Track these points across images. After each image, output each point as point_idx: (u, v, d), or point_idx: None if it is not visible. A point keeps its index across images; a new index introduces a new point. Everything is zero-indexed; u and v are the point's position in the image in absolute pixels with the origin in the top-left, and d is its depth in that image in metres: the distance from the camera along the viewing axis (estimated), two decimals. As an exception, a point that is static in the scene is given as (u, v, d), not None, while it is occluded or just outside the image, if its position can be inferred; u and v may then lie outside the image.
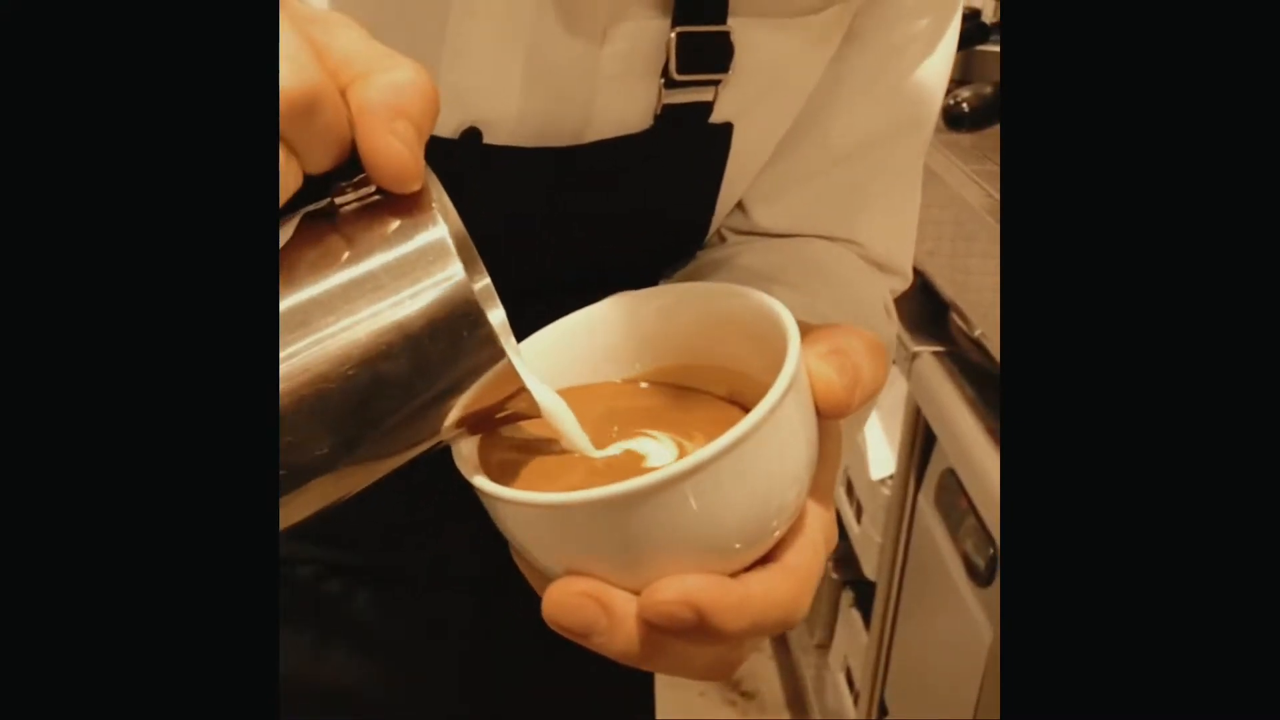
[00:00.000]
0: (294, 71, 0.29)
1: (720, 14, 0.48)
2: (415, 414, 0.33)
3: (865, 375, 0.36)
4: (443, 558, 0.61)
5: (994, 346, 1.14)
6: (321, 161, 0.30)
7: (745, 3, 0.48)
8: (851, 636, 1.58)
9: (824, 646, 1.72)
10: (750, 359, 0.38)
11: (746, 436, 0.32)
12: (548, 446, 0.38)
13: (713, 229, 0.57)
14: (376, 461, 0.33)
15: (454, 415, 0.33)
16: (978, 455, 1.14)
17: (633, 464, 0.37)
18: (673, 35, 0.47)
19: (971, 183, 1.22)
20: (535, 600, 0.35)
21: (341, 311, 0.31)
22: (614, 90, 0.48)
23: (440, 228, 0.31)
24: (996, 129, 1.13)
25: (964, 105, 1.01)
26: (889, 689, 1.42)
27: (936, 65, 0.58)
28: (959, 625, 1.17)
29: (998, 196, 1.18)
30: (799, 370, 0.34)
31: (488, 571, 0.58)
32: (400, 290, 0.31)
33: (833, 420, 0.37)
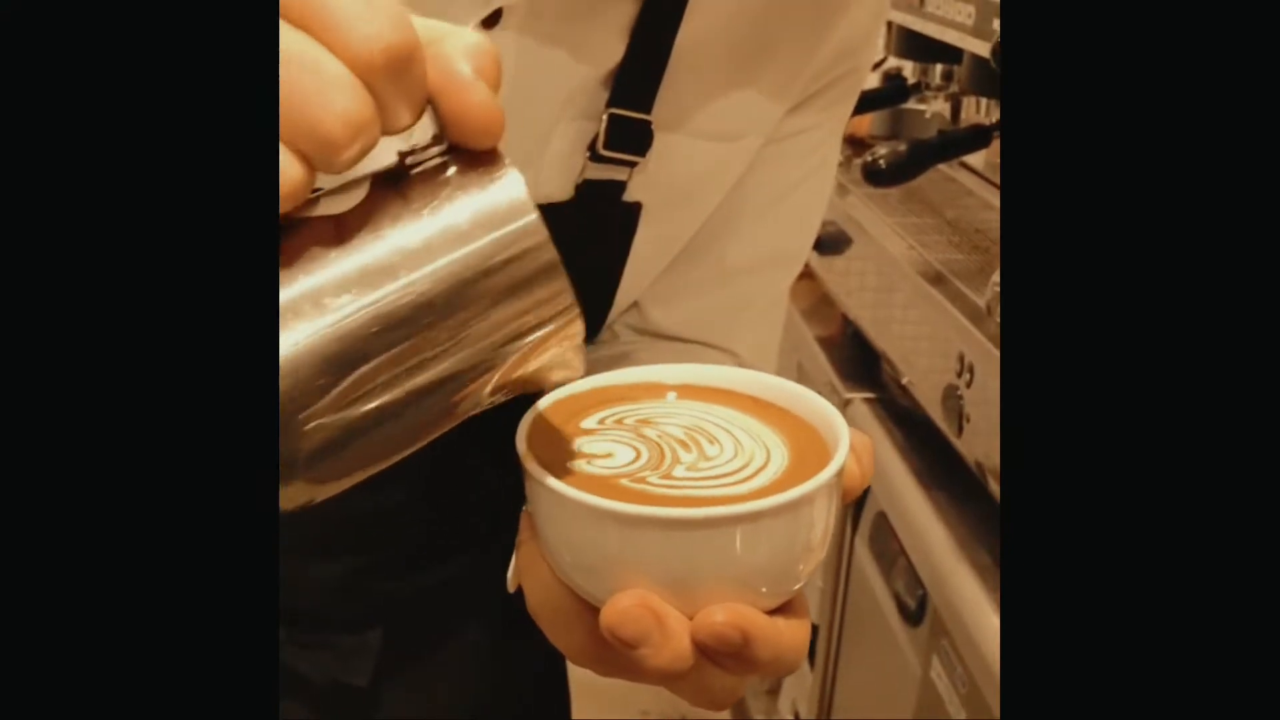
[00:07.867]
0: (395, 26, 0.29)
1: (646, 107, 0.54)
2: (483, 358, 0.34)
3: (865, 471, 0.40)
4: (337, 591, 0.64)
5: (919, 392, 1.18)
6: (405, 118, 0.31)
7: (669, 120, 0.54)
8: (799, 680, 1.60)
9: (774, 692, 1.74)
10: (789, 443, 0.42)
11: (803, 500, 0.36)
12: (598, 466, 0.40)
13: (612, 315, 0.62)
14: (436, 414, 0.35)
15: (512, 363, 0.35)
16: (906, 497, 1.18)
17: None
18: (605, 116, 0.53)
19: (896, 236, 1.27)
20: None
21: (426, 260, 0.32)
22: (554, 167, 0.54)
23: (518, 179, 0.33)
24: (915, 183, 1.19)
25: (880, 162, 1.06)
26: (833, 731, 1.45)
27: (819, 206, 0.65)
28: (893, 665, 1.20)
29: (920, 250, 1.23)
30: (847, 455, 0.38)
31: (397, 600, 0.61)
32: (483, 238, 0.33)
33: None
